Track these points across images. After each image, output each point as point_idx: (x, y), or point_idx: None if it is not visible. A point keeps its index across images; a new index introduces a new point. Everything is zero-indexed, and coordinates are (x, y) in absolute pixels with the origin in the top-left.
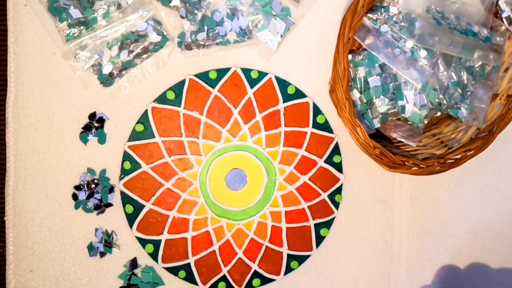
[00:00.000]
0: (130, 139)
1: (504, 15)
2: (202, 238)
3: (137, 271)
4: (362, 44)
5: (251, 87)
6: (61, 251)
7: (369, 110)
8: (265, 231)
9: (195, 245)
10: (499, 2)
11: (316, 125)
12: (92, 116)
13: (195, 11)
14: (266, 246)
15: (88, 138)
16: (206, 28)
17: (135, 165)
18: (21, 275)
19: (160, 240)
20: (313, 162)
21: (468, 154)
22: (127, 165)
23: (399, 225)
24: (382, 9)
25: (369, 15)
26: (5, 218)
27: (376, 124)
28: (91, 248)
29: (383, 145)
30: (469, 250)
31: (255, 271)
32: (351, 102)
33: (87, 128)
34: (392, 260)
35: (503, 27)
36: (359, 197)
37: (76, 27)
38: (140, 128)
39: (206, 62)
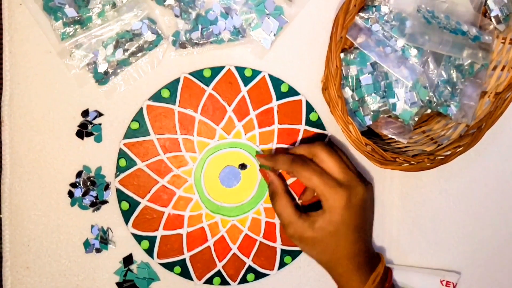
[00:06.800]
0: (125, 137)
1: (492, 14)
2: (197, 234)
3: (133, 267)
4: (354, 43)
5: (245, 85)
6: (57, 247)
7: (360, 108)
8: (259, 226)
9: (190, 241)
10: (488, 2)
11: (309, 123)
12: (87, 113)
13: (190, 10)
14: (260, 242)
15: (83, 135)
16: (200, 27)
17: (131, 163)
18: (18, 272)
19: (155, 237)
20: None
21: (457, 150)
22: (123, 162)
23: (390, 220)
24: (374, 9)
25: (361, 14)
26: (1, 216)
27: (368, 121)
28: (87, 245)
29: (375, 142)
30: (458, 244)
31: (250, 266)
32: (343, 100)
33: (82, 126)
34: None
35: (491, 26)
36: None
37: (71, 26)
38: (135, 126)
39: (200, 60)
